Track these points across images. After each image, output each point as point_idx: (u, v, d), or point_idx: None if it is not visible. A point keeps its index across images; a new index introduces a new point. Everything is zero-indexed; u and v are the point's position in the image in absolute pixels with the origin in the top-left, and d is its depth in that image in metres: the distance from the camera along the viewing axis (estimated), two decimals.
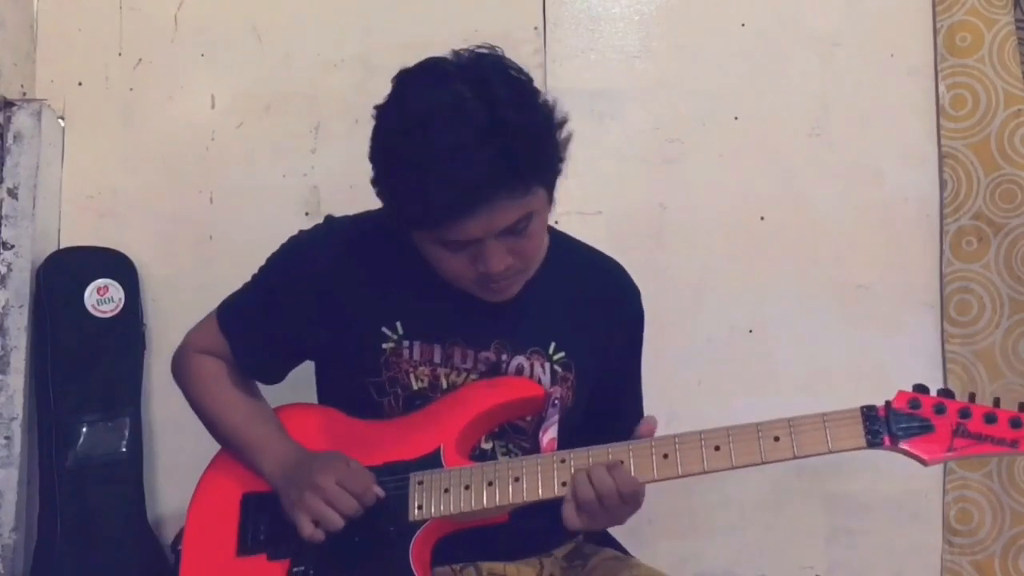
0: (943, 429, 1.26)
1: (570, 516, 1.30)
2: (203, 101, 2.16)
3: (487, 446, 1.46)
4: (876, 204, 2.18)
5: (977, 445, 1.24)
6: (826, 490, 2.13)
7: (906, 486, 2.11)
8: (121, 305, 2.06)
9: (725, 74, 2.19)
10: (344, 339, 1.46)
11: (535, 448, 1.44)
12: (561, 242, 1.51)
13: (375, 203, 1.54)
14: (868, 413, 1.29)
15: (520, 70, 1.33)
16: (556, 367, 1.48)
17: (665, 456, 1.31)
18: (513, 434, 1.47)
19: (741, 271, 2.16)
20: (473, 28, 2.13)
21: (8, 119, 2.03)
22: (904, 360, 2.15)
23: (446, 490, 1.35)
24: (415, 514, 1.35)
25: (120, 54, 2.16)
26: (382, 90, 2.16)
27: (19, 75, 2.10)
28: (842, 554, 2.15)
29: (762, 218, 2.17)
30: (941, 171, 2.17)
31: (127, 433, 2.04)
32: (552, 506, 1.33)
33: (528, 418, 1.46)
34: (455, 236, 1.29)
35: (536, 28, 2.17)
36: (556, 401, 1.44)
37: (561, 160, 1.34)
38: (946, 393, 1.29)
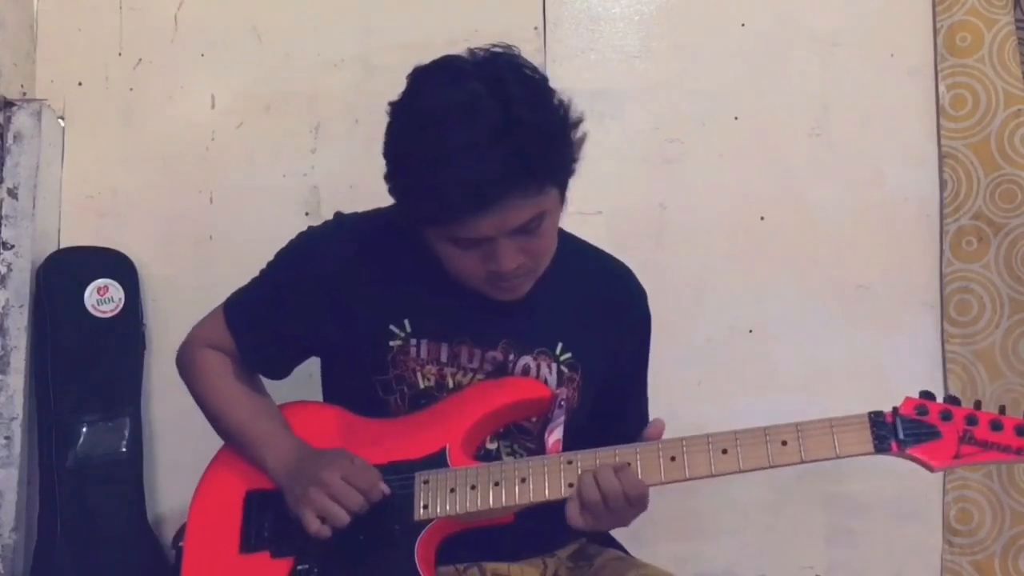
0: (950, 436, 1.26)
1: (573, 515, 1.30)
2: (203, 101, 2.16)
3: (492, 446, 1.46)
4: (876, 204, 2.18)
5: (983, 452, 1.25)
6: (826, 490, 2.13)
7: (906, 486, 2.11)
8: (121, 305, 2.06)
9: (725, 74, 2.19)
10: (351, 336, 1.46)
11: (540, 449, 1.44)
12: (569, 243, 1.50)
13: (374, 203, 1.54)
14: (876, 419, 1.30)
15: (535, 69, 1.33)
16: (563, 368, 1.47)
17: (672, 459, 1.31)
18: (518, 434, 1.47)
19: (741, 271, 2.16)
20: (473, 28, 2.13)
21: (8, 119, 2.03)
22: (904, 360, 2.16)
23: (452, 490, 1.35)
24: (420, 513, 1.35)
25: (120, 54, 2.16)
26: (382, 90, 2.15)
27: (19, 75, 2.11)
28: (842, 554, 2.15)
29: (762, 218, 2.17)
30: (941, 171, 2.17)
31: (127, 433, 2.04)
32: (557, 507, 1.34)
33: (534, 419, 1.46)
34: (467, 234, 1.29)
35: (536, 28, 2.17)
36: (563, 402, 1.44)
37: (575, 160, 1.34)
38: (952, 400, 1.29)
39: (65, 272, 2.04)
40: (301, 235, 1.54)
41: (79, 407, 2.01)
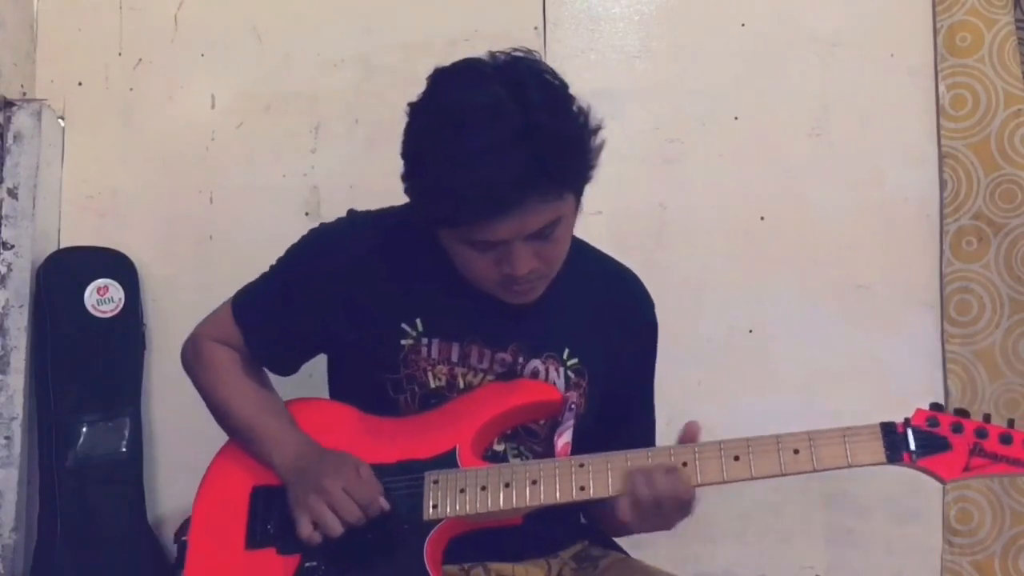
0: (960, 448, 1.29)
1: (624, 511, 1.30)
2: (203, 101, 2.16)
3: (499, 448, 1.46)
4: (876, 204, 2.18)
5: (993, 465, 1.27)
6: (826, 490, 2.13)
7: (906, 486, 2.11)
8: (121, 305, 2.06)
9: (725, 74, 2.18)
10: (362, 334, 1.46)
11: (547, 451, 1.44)
12: (579, 249, 1.50)
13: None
14: (888, 429, 1.31)
15: (555, 75, 1.32)
16: (570, 373, 1.48)
17: (684, 464, 1.32)
18: (525, 437, 1.47)
19: (741, 271, 2.16)
20: (473, 28, 2.14)
21: (8, 119, 2.03)
22: (904, 360, 2.15)
23: (462, 490, 1.35)
24: (430, 513, 1.34)
25: (120, 54, 2.16)
26: (382, 90, 2.18)
27: (19, 75, 2.11)
28: (842, 554, 2.15)
29: (762, 218, 2.17)
30: (941, 171, 2.17)
31: (127, 433, 2.04)
32: (562, 508, 1.34)
33: (542, 422, 1.46)
34: (483, 236, 1.29)
35: (536, 28, 2.17)
36: (572, 405, 1.44)
37: (593, 167, 1.34)
38: (962, 412, 1.31)
39: (65, 272, 2.04)
40: (313, 231, 1.54)
41: (79, 407, 2.01)
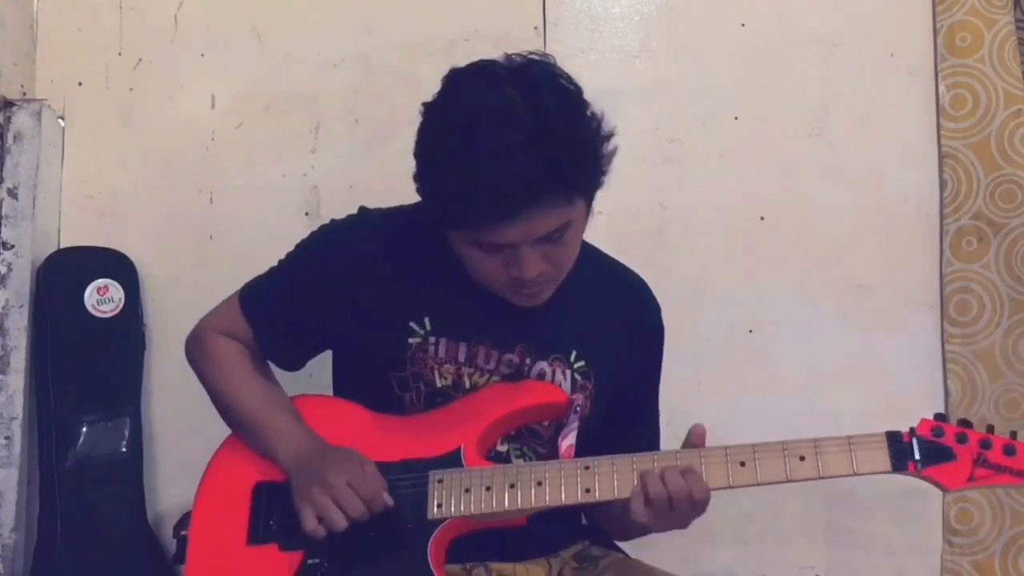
0: (964, 458, 1.30)
1: (638, 511, 1.30)
2: (203, 101, 2.16)
3: (502, 448, 1.46)
4: (876, 204, 2.18)
5: (997, 476, 1.29)
6: (826, 490, 2.13)
7: (906, 486, 2.10)
8: (121, 305, 2.06)
9: (725, 74, 2.18)
10: (370, 331, 1.46)
11: (550, 453, 1.45)
12: (588, 252, 1.50)
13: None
14: (893, 438, 1.32)
15: (570, 79, 1.33)
16: (576, 375, 1.48)
17: (690, 468, 1.32)
18: (529, 438, 1.47)
19: (741, 271, 2.16)
20: (473, 28, 2.14)
21: (8, 119, 2.03)
22: (904, 360, 2.16)
23: (466, 490, 1.34)
24: (434, 512, 1.34)
25: (120, 54, 2.16)
26: (382, 90, 2.18)
27: (19, 75, 2.11)
28: (842, 554, 2.15)
29: (762, 218, 2.17)
30: (941, 171, 2.17)
31: (127, 433, 2.04)
32: (564, 509, 1.34)
33: (546, 423, 1.47)
34: (492, 239, 1.29)
35: (536, 28, 2.17)
36: (578, 408, 1.44)
37: (604, 173, 1.34)
38: (966, 423, 1.33)
39: (65, 272, 2.04)
40: (323, 227, 1.54)
41: (79, 407, 2.01)
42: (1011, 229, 2.11)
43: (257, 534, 1.39)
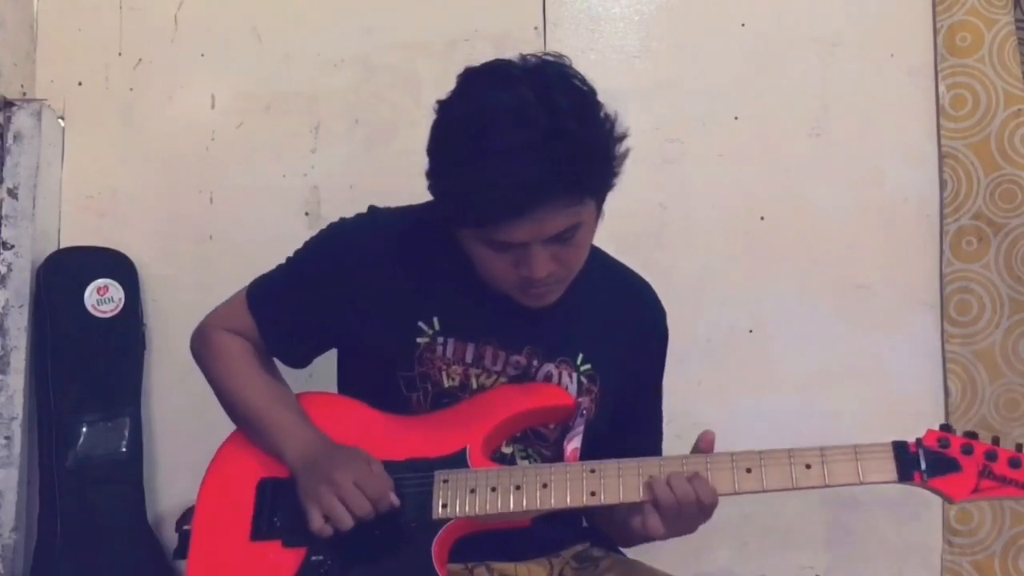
0: (970, 470, 1.30)
1: (654, 523, 1.31)
2: (203, 101, 2.16)
3: (507, 450, 1.46)
4: (876, 204, 2.18)
5: (1002, 488, 1.29)
6: (826, 490, 2.12)
7: (906, 487, 2.11)
8: (121, 305, 2.06)
9: (725, 74, 2.18)
10: (378, 330, 1.45)
11: (555, 456, 1.45)
12: (596, 256, 1.49)
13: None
14: (900, 448, 1.32)
15: (584, 81, 1.33)
16: (582, 378, 1.48)
17: (696, 473, 1.32)
18: (534, 440, 1.47)
19: (741, 271, 2.16)
20: (473, 28, 2.14)
21: (8, 119, 2.03)
22: (904, 360, 2.16)
23: (472, 490, 1.34)
24: (439, 512, 1.34)
25: (120, 54, 2.16)
26: (382, 90, 2.18)
27: (19, 75, 2.11)
28: (842, 554, 2.15)
29: (762, 218, 2.17)
30: (941, 171, 2.17)
31: (127, 433, 2.04)
32: (567, 511, 1.34)
33: (552, 426, 1.47)
34: (503, 237, 1.29)
35: (536, 28, 2.17)
36: (584, 411, 1.44)
37: (616, 174, 1.34)
38: (971, 435, 1.33)
39: (65, 272, 2.04)
40: (333, 225, 1.53)
41: (79, 407, 2.01)
42: (1011, 229, 2.11)
43: (261, 530, 1.38)
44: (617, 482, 1.33)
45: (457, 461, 1.38)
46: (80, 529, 1.97)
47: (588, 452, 1.41)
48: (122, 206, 2.14)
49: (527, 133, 1.23)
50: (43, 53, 2.16)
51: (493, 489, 1.34)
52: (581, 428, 1.43)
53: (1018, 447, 1.31)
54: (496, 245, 1.31)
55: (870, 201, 2.18)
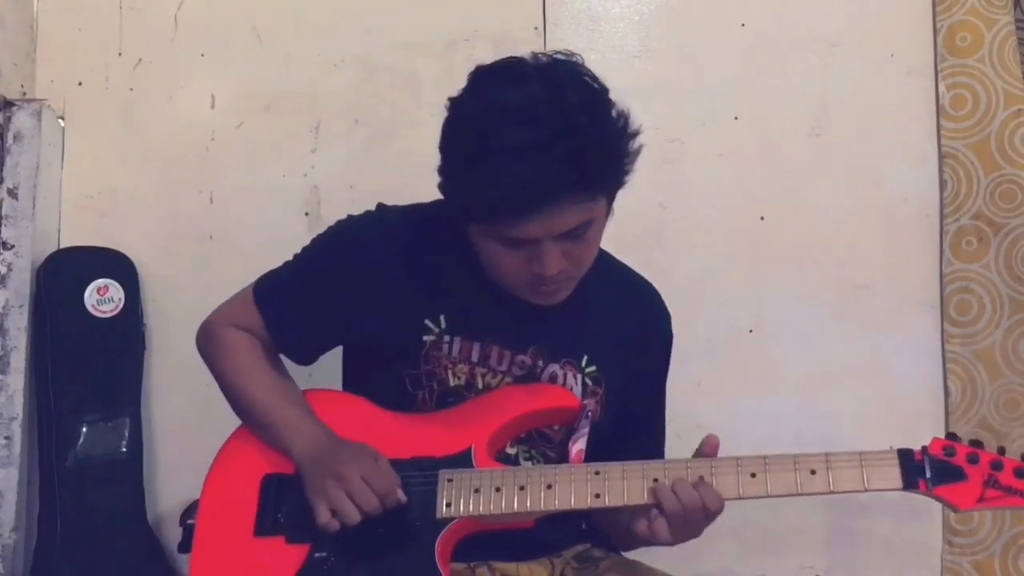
0: (975, 479, 1.29)
1: (661, 531, 1.32)
2: (203, 101, 2.16)
3: (511, 451, 1.46)
4: (876, 204, 2.18)
5: (1007, 497, 1.28)
6: None
7: None
8: (121, 305, 2.06)
9: (725, 74, 2.18)
10: (385, 328, 1.45)
11: (560, 457, 1.45)
12: (602, 258, 1.49)
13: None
14: (905, 456, 1.32)
15: (596, 79, 1.33)
16: (587, 380, 1.48)
17: (700, 479, 1.32)
18: (539, 441, 1.47)
19: (741, 271, 2.16)
20: (473, 28, 2.14)
21: (8, 119, 2.03)
22: (904, 360, 2.16)
23: (476, 490, 1.34)
24: (443, 511, 1.34)
25: (120, 54, 2.16)
26: (382, 90, 2.18)
27: (19, 75, 2.11)
28: (842, 554, 2.15)
29: (762, 218, 2.17)
30: (941, 171, 2.17)
31: (127, 433, 2.04)
32: (570, 513, 1.34)
33: (556, 427, 1.46)
34: (514, 234, 1.29)
35: (536, 28, 2.17)
36: (589, 413, 1.45)
37: (628, 172, 1.35)
38: (977, 443, 1.32)
39: (65, 272, 2.04)
40: (340, 223, 1.53)
41: (79, 407, 2.01)
42: (1011, 229, 2.11)
43: (265, 525, 1.39)
44: (622, 484, 1.33)
45: (462, 461, 1.38)
46: (80, 529, 1.97)
47: (591, 453, 1.41)
48: (122, 206, 2.14)
49: (538, 130, 1.23)
50: (43, 53, 2.16)
51: (497, 489, 1.34)
52: (586, 430, 1.43)
53: (1023, 456, 1.30)
54: (508, 242, 1.31)
55: (870, 201, 2.18)
